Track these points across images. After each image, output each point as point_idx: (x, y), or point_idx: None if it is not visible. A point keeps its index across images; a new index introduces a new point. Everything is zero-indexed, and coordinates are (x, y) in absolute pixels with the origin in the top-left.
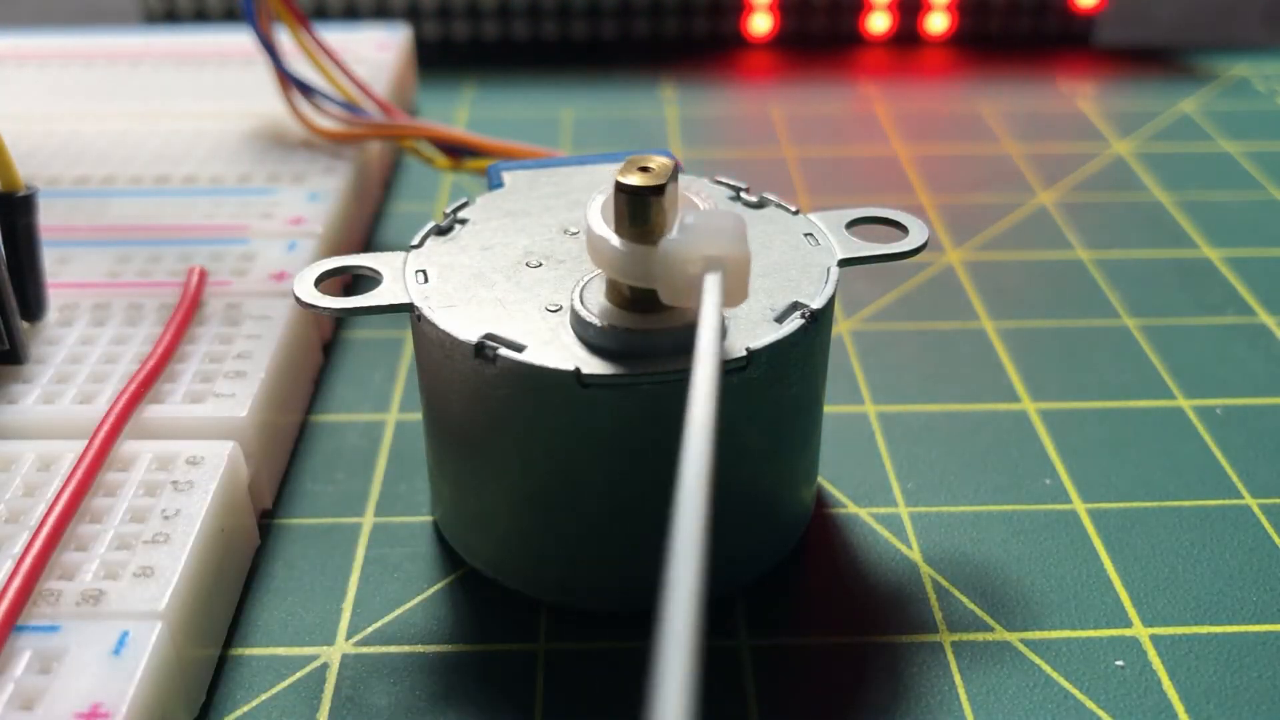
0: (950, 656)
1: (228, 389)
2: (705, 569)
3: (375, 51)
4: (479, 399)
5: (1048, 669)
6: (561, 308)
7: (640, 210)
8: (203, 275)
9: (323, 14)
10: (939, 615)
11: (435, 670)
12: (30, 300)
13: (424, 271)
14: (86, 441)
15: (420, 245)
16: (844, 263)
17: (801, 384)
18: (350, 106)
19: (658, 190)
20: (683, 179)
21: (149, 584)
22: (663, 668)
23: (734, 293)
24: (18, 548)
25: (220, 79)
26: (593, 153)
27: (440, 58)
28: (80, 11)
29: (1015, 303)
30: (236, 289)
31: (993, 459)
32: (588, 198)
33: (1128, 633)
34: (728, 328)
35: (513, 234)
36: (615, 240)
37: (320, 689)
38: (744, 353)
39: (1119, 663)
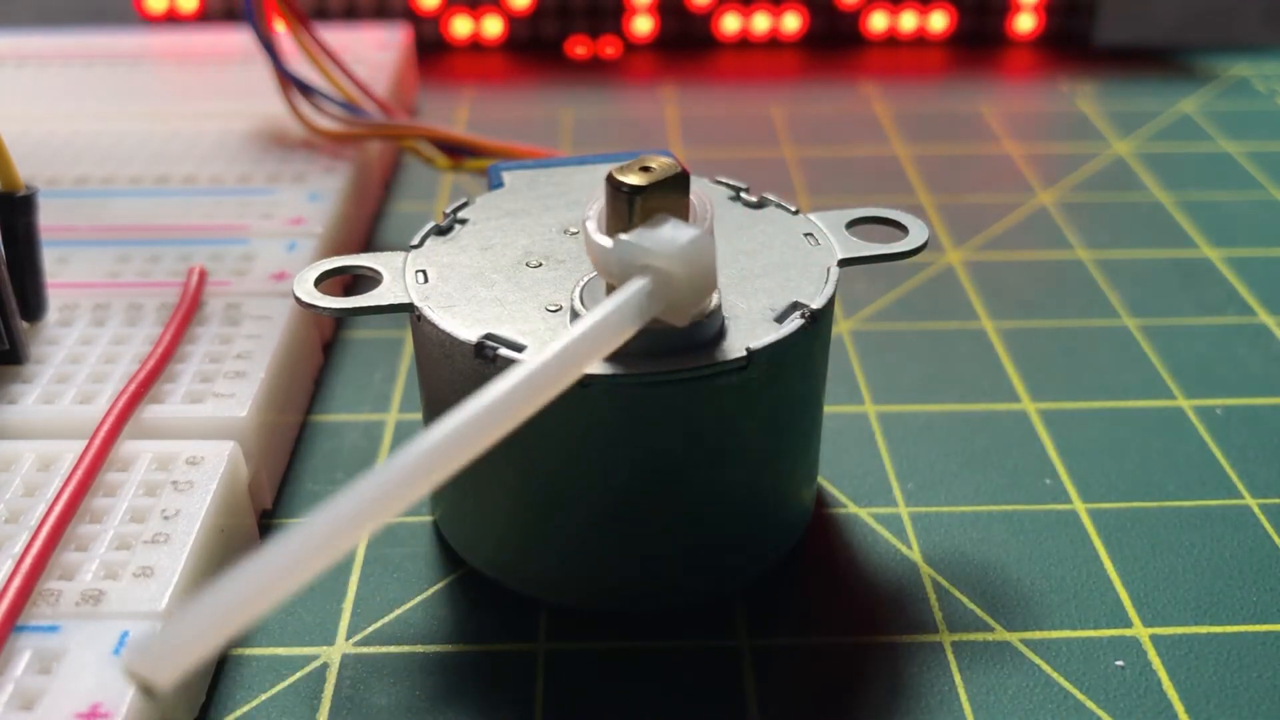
0: (950, 656)
1: (228, 389)
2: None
3: (375, 51)
4: None
5: (1048, 669)
6: (561, 308)
7: (622, 208)
8: (203, 275)
9: (323, 14)
10: (939, 615)
11: (435, 670)
12: (30, 300)
13: (424, 271)
14: (86, 441)
15: (420, 245)
16: (844, 263)
17: (801, 384)
18: (350, 106)
19: (642, 190)
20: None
21: (149, 584)
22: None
23: (673, 310)
24: (18, 548)
25: (220, 79)
26: (593, 153)
27: (440, 58)
28: (80, 11)
29: (1015, 303)
30: (236, 289)
31: (993, 459)
32: (588, 197)
33: (1128, 633)
34: (728, 328)
35: (513, 234)
36: (593, 228)
37: (320, 689)
38: (744, 353)
39: (1119, 663)
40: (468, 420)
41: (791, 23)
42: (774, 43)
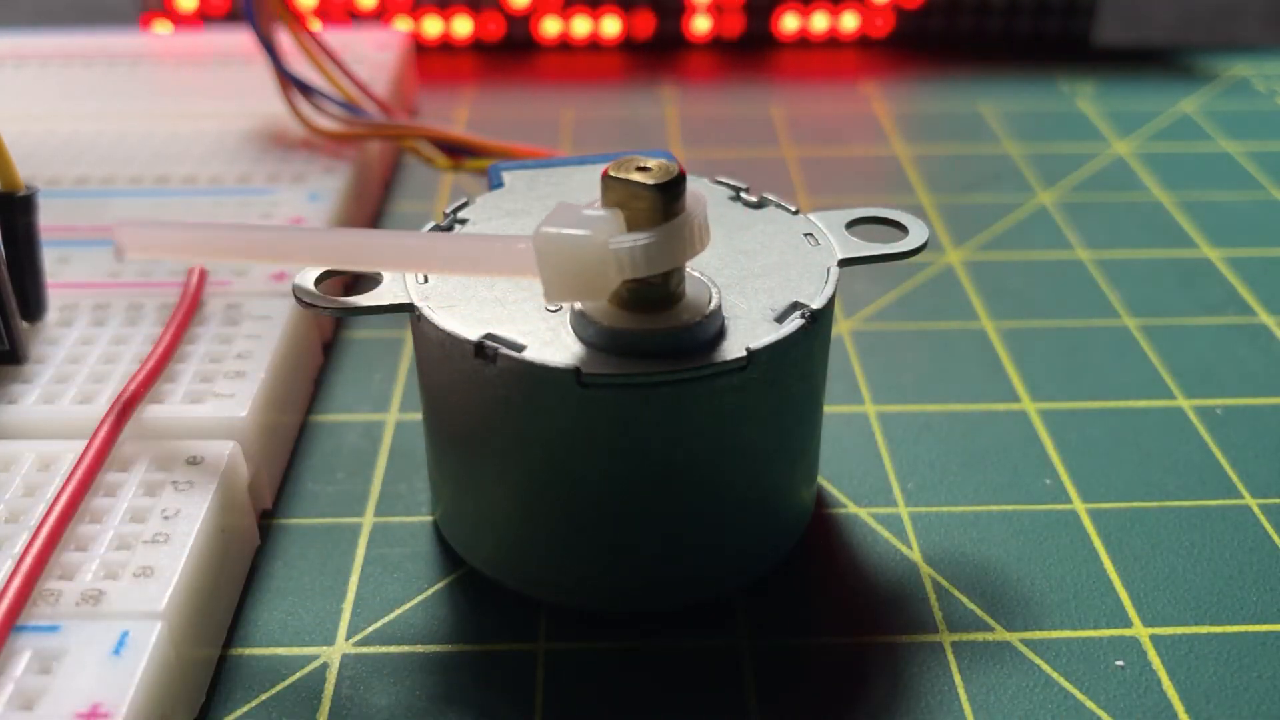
0: (950, 656)
1: (228, 389)
2: None
3: (375, 51)
4: (479, 399)
5: (1048, 669)
6: (561, 307)
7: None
8: (203, 275)
9: (323, 14)
10: (939, 615)
11: (435, 670)
12: (30, 300)
13: None
14: (86, 441)
15: None
16: (844, 263)
17: (801, 384)
18: (350, 106)
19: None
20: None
21: (149, 584)
22: None
23: (546, 287)
24: (18, 548)
25: (220, 79)
26: (593, 153)
27: (440, 58)
28: (80, 11)
29: (1015, 303)
30: (236, 289)
31: (993, 459)
32: (587, 197)
33: (1128, 633)
34: (728, 328)
35: (513, 234)
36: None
37: (320, 689)
38: (744, 353)
39: (1119, 663)
40: (326, 238)
41: (819, 22)
42: (778, 42)
